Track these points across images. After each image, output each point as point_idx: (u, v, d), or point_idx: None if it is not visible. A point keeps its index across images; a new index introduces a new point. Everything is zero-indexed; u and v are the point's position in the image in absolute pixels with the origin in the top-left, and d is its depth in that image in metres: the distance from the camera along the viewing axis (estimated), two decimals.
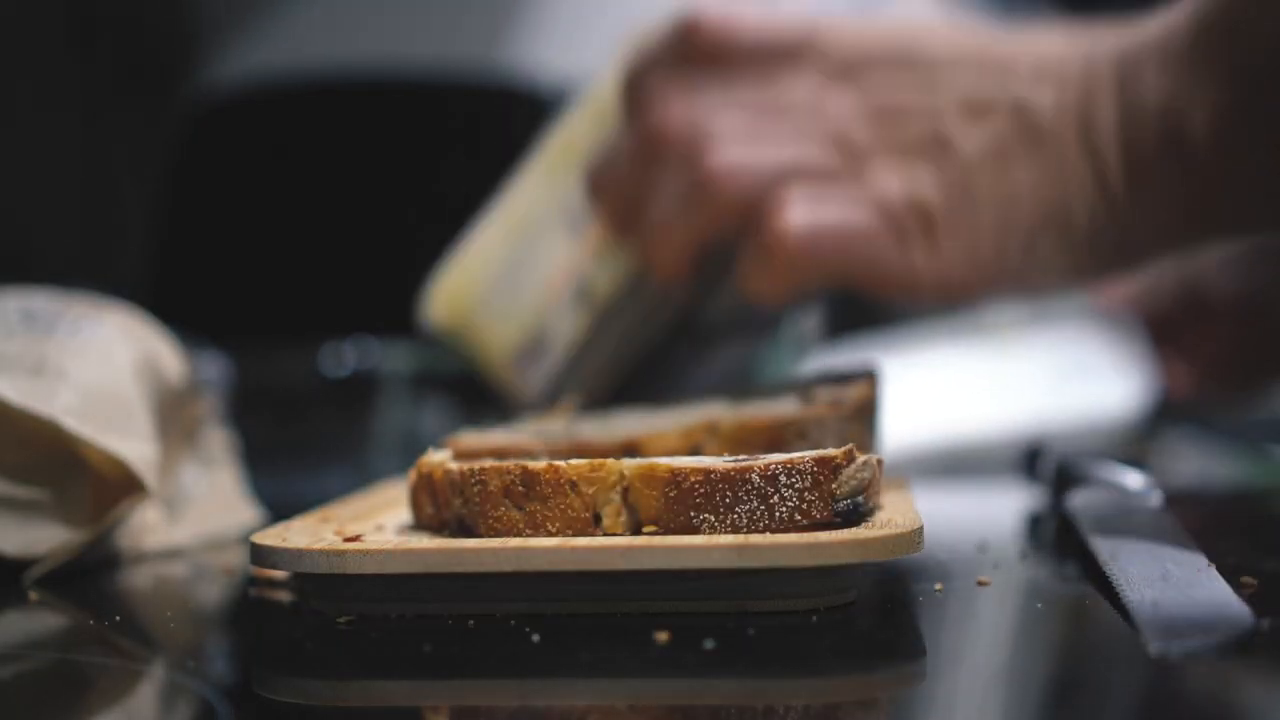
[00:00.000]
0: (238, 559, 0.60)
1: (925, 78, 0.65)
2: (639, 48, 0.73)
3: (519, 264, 0.78)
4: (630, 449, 0.56)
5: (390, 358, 0.99)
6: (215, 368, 0.81)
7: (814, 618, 0.45)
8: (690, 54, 0.69)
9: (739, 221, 0.66)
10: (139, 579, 0.57)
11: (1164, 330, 1.01)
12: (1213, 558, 0.47)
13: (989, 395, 0.95)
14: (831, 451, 0.46)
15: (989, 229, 0.63)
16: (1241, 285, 0.96)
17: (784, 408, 0.59)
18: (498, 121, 1.23)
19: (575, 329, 0.76)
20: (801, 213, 0.64)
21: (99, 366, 0.58)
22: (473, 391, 0.87)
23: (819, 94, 0.66)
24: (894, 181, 0.64)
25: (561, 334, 0.76)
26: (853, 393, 0.61)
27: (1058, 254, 0.63)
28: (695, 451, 0.56)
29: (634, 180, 0.71)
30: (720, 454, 0.49)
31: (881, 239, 0.64)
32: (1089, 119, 0.61)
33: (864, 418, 0.60)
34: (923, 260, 0.64)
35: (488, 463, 0.49)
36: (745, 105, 0.67)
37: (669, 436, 0.56)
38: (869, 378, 0.64)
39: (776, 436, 0.56)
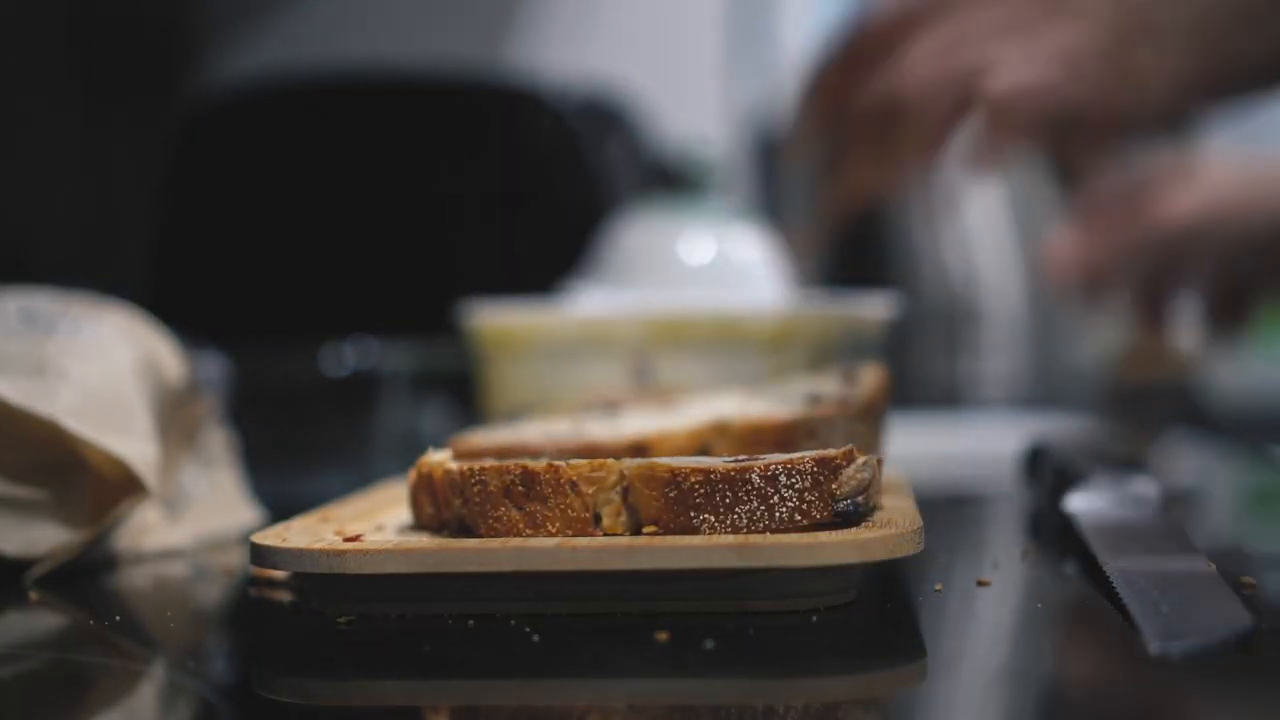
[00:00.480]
0: (238, 559, 0.60)
1: None
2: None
3: (572, 356, 0.80)
4: (638, 449, 0.55)
5: (390, 358, 0.99)
6: (215, 368, 0.81)
7: (814, 618, 0.45)
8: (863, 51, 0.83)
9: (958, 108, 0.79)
10: (139, 579, 0.57)
11: (1146, 293, 1.04)
12: (1213, 558, 0.47)
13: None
14: (831, 452, 0.46)
15: (1180, 50, 0.74)
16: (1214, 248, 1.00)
17: (793, 407, 0.59)
18: (498, 122, 1.23)
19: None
20: (1000, 80, 0.77)
21: (99, 367, 0.58)
22: (472, 392, 0.87)
23: (974, 14, 0.79)
24: (1069, 36, 0.76)
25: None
26: (861, 389, 0.61)
27: (1254, 50, 0.74)
28: (705, 452, 0.56)
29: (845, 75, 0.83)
30: (731, 454, 0.49)
31: (1072, 85, 0.76)
32: None
33: (873, 417, 0.60)
34: (1128, 91, 0.76)
35: (488, 462, 0.49)
36: (926, 45, 0.80)
37: (677, 436, 0.56)
38: (878, 371, 0.64)
39: (785, 437, 0.56)
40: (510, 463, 0.48)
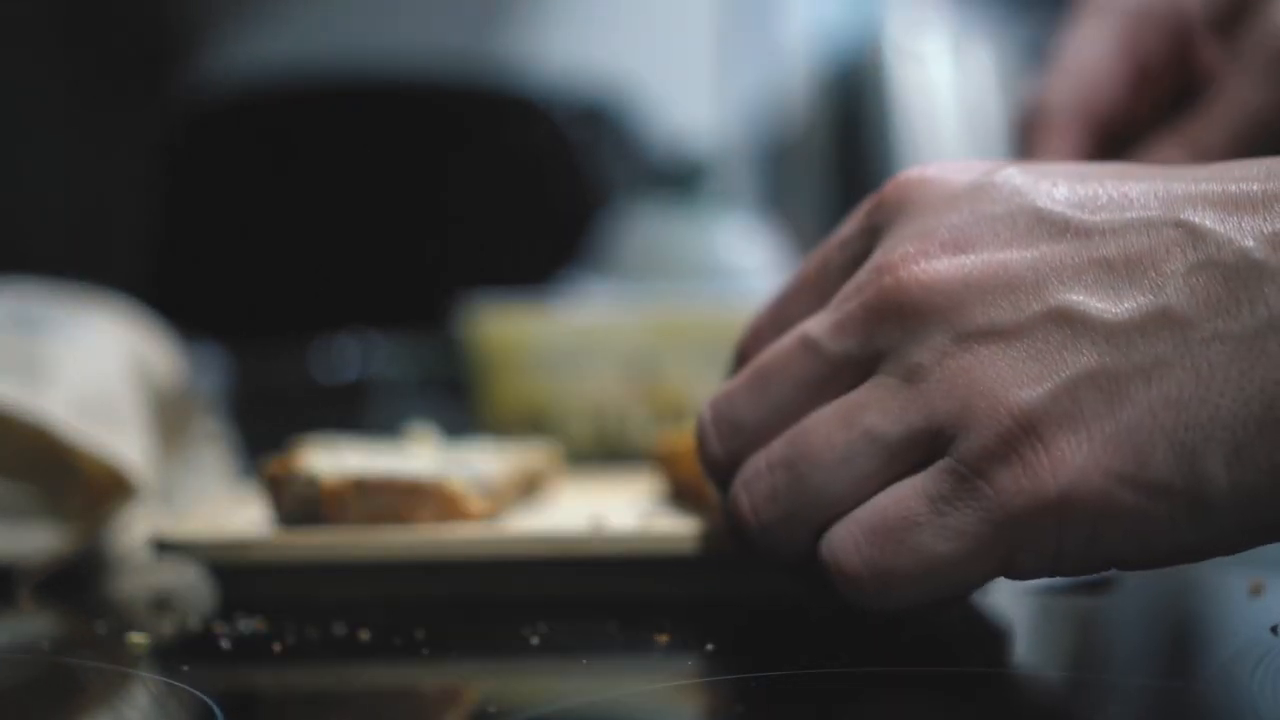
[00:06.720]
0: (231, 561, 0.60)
1: None
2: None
3: (571, 359, 0.80)
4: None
5: (385, 355, 0.99)
6: (211, 367, 0.81)
7: (814, 618, 0.44)
8: None
9: None
10: (130, 580, 0.57)
11: None
12: (1213, 559, 0.47)
13: None
14: None
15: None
16: None
17: None
18: (493, 122, 1.23)
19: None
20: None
21: (89, 366, 0.57)
22: (467, 388, 0.87)
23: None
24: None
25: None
26: None
27: None
28: None
29: None
30: None
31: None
32: None
33: None
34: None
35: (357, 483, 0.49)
36: None
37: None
38: None
39: None
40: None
